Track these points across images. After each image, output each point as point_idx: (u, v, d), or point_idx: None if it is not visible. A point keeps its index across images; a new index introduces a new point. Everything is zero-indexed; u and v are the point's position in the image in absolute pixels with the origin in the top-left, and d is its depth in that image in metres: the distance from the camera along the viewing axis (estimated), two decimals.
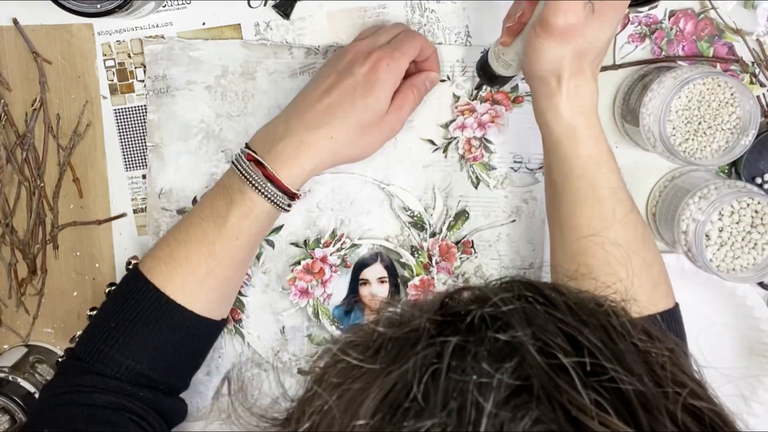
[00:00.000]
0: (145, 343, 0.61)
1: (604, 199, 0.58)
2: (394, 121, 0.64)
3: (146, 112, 0.72)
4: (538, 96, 0.58)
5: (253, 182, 0.60)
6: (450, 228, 0.72)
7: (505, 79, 0.66)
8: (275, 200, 0.61)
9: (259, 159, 0.61)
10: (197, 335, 0.64)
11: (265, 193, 0.61)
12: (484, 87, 0.70)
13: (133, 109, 0.72)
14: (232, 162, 0.63)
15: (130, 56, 0.72)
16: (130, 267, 0.68)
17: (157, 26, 0.71)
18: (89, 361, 0.60)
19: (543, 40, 0.54)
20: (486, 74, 0.66)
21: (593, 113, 0.57)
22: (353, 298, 0.73)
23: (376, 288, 0.73)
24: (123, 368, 0.60)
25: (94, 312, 0.66)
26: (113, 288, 0.67)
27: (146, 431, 0.60)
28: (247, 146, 0.63)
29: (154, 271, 0.62)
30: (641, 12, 0.70)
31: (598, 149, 0.57)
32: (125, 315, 0.61)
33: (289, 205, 0.63)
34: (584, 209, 0.58)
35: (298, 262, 0.73)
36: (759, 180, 0.70)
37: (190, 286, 0.62)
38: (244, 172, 0.61)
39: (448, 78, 0.71)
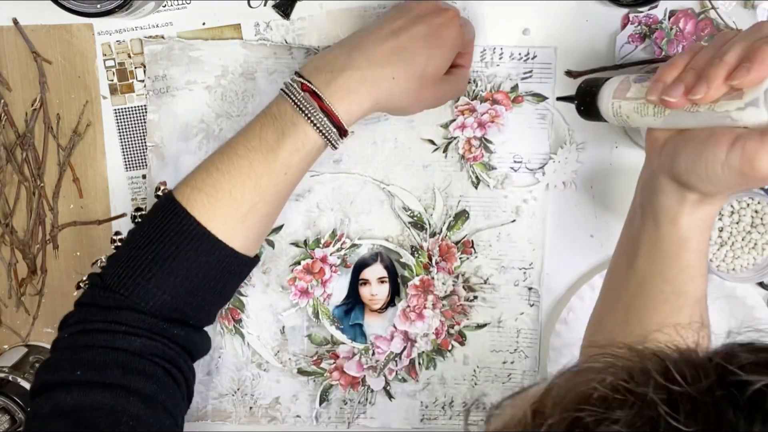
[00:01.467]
0: (184, 277, 0.58)
1: (683, 309, 0.54)
2: (445, 91, 0.64)
3: (146, 112, 0.72)
4: (663, 189, 0.53)
5: (309, 115, 0.58)
6: (450, 228, 0.72)
7: (603, 121, 0.60)
8: (329, 136, 0.58)
9: (316, 91, 0.58)
10: (234, 272, 0.62)
11: (321, 128, 0.58)
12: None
13: (133, 109, 0.72)
14: (283, 90, 0.59)
15: (130, 56, 0.72)
16: (162, 193, 0.64)
17: (157, 26, 0.71)
18: (125, 294, 0.57)
19: (731, 173, 0.47)
20: (586, 105, 0.60)
21: (710, 228, 0.53)
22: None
23: (376, 288, 0.73)
24: (159, 303, 0.58)
25: (120, 237, 0.63)
26: (143, 213, 0.63)
27: (177, 380, 0.59)
28: (299, 75, 0.60)
29: (196, 203, 0.58)
30: (641, 12, 0.70)
31: (699, 262, 0.53)
32: (163, 248, 0.58)
33: (337, 144, 0.60)
34: (659, 311, 0.54)
35: (298, 262, 0.73)
36: None
37: (233, 221, 0.59)
38: (299, 103, 0.58)
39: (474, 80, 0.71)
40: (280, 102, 0.60)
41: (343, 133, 0.59)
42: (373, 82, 0.58)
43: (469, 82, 0.71)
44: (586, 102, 0.59)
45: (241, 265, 0.62)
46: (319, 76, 0.58)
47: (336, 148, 0.60)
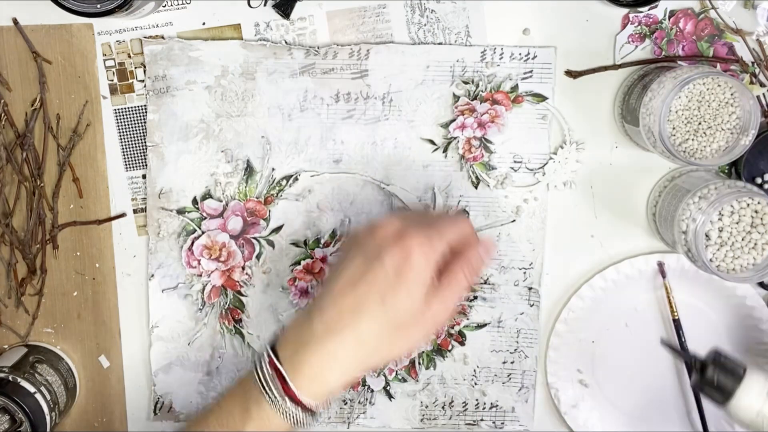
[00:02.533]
0: None
1: None
2: (436, 314, 0.54)
3: (146, 112, 0.72)
4: None
5: (271, 398, 0.53)
6: None
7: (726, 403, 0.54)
8: (293, 418, 0.53)
9: (281, 370, 0.53)
10: None
11: (284, 411, 0.53)
12: None
13: (133, 109, 0.72)
14: (254, 362, 0.55)
15: (130, 56, 0.72)
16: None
17: (157, 26, 0.71)
18: None
19: None
20: (719, 393, 0.54)
21: None
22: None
23: None
24: None
25: None
26: None
27: None
28: (273, 347, 0.55)
29: None
30: (641, 12, 0.70)
31: None
32: None
33: (312, 421, 0.55)
34: None
35: (298, 262, 0.73)
36: (759, 180, 0.70)
37: None
38: (263, 382, 0.53)
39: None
40: (249, 376, 0.56)
41: (314, 412, 0.54)
42: (335, 355, 0.52)
43: (470, 83, 0.71)
44: (718, 391, 0.53)
45: None
46: (285, 348, 0.54)
47: (309, 428, 0.55)
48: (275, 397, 0.53)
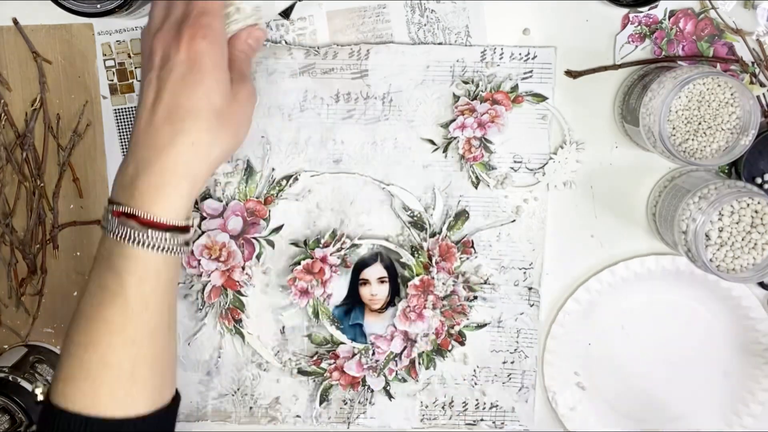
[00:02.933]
0: None
1: None
2: (248, 90, 0.56)
3: None
4: None
5: (132, 238, 0.51)
6: (450, 228, 0.72)
7: None
8: (165, 246, 0.52)
9: (127, 210, 0.51)
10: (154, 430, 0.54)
11: (152, 244, 0.51)
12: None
13: (133, 109, 0.72)
14: (103, 226, 0.53)
15: (130, 56, 0.72)
16: (42, 402, 0.57)
17: None
18: None
19: None
20: None
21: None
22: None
23: (376, 288, 0.73)
24: None
25: None
26: None
27: None
28: (109, 202, 0.53)
29: (73, 396, 0.51)
30: (641, 12, 0.70)
31: None
32: None
33: (186, 243, 0.53)
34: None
35: (298, 262, 0.73)
36: (759, 180, 0.70)
37: (121, 389, 0.52)
38: (116, 231, 0.51)
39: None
40: (103, 239, 0.53)
41: (181, 230, 0.53)
42: (175, 164, 0.52)
43: (470, 83, 0.71)
44: None
45: (159, 422, 0.54)
46: (123, 193, 0.52)
47: (186, 250, 0.54)
48: (134, 234, 0.51)
